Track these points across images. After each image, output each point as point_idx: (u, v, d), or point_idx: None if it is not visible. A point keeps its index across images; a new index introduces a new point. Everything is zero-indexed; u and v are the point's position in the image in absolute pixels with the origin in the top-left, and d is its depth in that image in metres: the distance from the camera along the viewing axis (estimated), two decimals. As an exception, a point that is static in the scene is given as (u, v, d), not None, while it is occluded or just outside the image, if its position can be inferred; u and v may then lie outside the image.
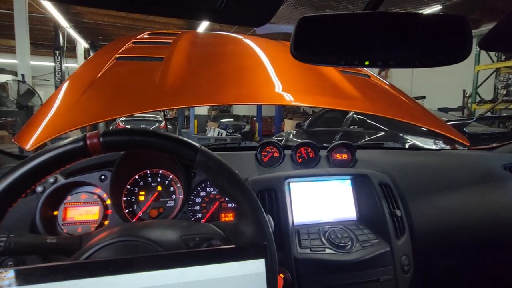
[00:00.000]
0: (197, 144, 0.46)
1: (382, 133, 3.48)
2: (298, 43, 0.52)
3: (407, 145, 3.11)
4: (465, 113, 7.45)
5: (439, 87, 8.09)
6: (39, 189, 0.65)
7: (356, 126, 3.92)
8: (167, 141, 0.44)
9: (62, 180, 0.67)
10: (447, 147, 1.43)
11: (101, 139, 0.41)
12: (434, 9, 5.97)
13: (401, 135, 3.22)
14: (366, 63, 0.52)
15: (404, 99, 1.48)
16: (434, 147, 2.52)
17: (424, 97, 6.81)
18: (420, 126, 1.32)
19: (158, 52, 1.42)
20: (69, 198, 0.69)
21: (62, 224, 0.67)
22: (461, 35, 0.51)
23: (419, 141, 3.03)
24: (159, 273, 0.36)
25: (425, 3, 5.82)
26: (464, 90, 7.46)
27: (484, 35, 0.58)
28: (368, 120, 3.68)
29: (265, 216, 0.48)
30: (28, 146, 0.88)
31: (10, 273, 0.31)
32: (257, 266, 0.41)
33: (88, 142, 0.40)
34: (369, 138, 3.60)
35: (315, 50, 0.53)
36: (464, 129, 3.07)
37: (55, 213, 0.67)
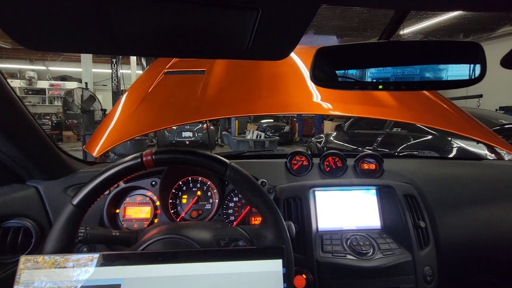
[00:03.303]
0: (227, 161, 0.56)
1: (429, 137, 3.27)
2: (317, 70, 0.59)
3: (454, 150, 2.91)
4: (535, 113, 6.61)
5: (502, 83, 7.26)
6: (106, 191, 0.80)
7: (399, 129, 3.73)
8: (204, 159, 0.55)
9: (122, 185, 0.82)
10: (493, 156, 1.35)
11: (153, 157, 0.52)
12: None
13: (449, 139, 3.00)
14: (380, 87, 0.57)
15: (444, 105, 1.43)
16: (486, 152, 2.33)
17: (481, 96, 6.18)
18: (461, 135, 1.27)
19: (200, 65, 1.57)
20: (127, 199, 0.84)
21: (122, 221, 0.82)
22: (474, 60, 0.54)
23: (470, 146, 2.81)
24: (196, 265, 0.47)
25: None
26: (532, 87, 6.66)
27: (505, 55, 0.59)
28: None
29: (284, 223, 0.56)
30: (95, 153, 1.06)
31: (95, 256, 0.43)
32: (275, 265, 0.49)
33: (144, 159, 0.52)
34: (414, 141, 3.40)
35: (331, 77, 0.59)
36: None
37: (117, 211, 0.83)
